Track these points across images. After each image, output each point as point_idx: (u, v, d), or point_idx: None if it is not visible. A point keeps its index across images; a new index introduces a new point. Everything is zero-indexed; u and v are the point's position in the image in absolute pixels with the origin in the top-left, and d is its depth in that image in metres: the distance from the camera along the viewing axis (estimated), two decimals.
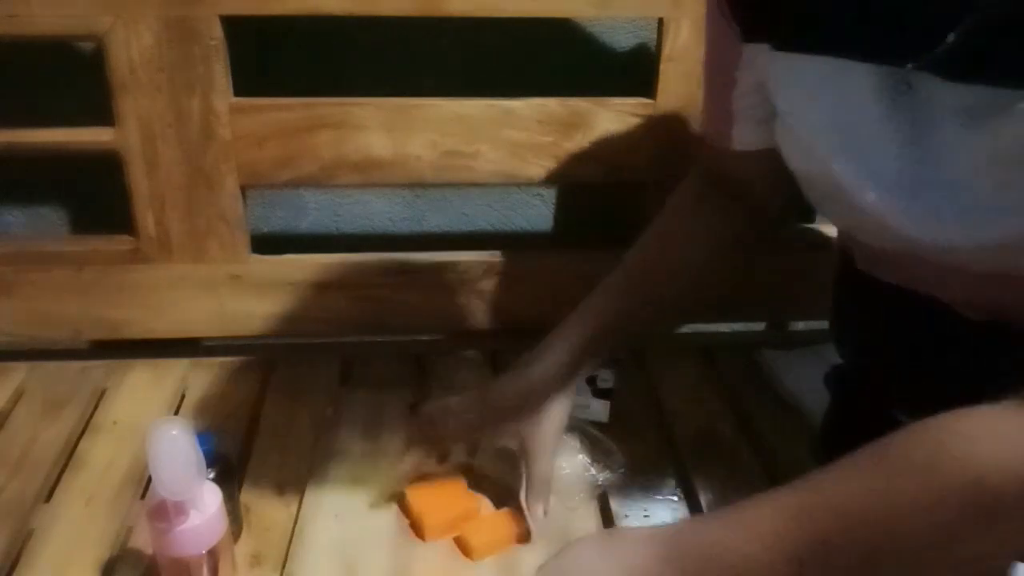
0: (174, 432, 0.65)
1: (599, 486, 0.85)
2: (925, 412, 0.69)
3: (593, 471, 0.86)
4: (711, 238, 0.81)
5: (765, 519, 0.55)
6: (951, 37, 0.53)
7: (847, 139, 0.61)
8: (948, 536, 0.51)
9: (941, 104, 0.56)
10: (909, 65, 0.55)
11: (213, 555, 0.70)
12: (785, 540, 0.54)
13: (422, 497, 0.82)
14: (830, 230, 1.01)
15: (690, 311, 0.88)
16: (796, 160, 0.67)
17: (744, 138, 0.75)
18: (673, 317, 0.88)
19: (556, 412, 0.79)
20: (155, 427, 0.65)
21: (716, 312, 1.14)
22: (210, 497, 0.70)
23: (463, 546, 0.79)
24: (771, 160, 0.70)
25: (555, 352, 0.79)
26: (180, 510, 0.68)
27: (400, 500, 0.83)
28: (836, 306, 0.83)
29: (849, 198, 0.63)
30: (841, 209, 0.66)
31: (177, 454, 0.65)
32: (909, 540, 0.52)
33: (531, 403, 0.78)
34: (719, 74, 0.74)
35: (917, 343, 0.69)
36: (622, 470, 0.86)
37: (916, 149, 0.58)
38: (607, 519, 0.84)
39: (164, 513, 0.68)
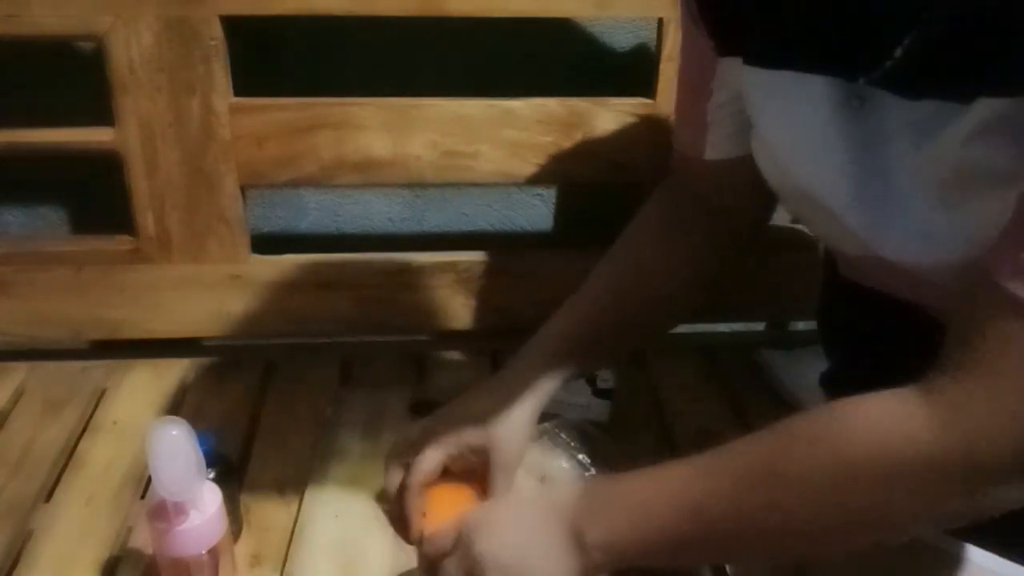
0: (174, 432, 0.65)
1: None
2: None
3: (593, 471, 0.86)
4: (682, 263, 0.80)
5: (673, 475, 0.61)
6: (898, 52, 0.53)
7: (807, 152, 0.63)
8: (830, 507, 0.54)
9: (891, 119, 0.57)
10: (861, 80, 0.56)
11: (213, 555, 0.70)
12: (686, 494, 0.59)
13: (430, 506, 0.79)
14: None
15: (660, 331, 0.88)
16: (768, 170, 0.69)
17: (718, 147, 0.75)
18: (641, 339, 0.87)
19: (520, 432, 0.77)
20: (155, 427, 0.65)
21: (716, 312, 1.14)
22: (210, 497, 0.70)
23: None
24: (743, 169, 0.71)
25: (517, 374, 0.78)
26: (180, 510, 0.68)
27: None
28: (823, 310, 0.83)
29: (815, 208, 0.64)
30: (811, 218, 0.68)
31: (177, 454, 0.65)
32: (796, 507, 0.55)
33: (494, 421, 0.76)
34: (694, 84, 0.75)
35: (900, 347, 0.70)
36: (620, 470, 0.86)
37: (868, 163, 0.60)
38: None
39: (164, 513, 0.68)
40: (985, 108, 0.51)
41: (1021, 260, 0.49)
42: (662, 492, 0.60)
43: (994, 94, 0.51)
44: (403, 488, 0.75)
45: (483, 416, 0.75)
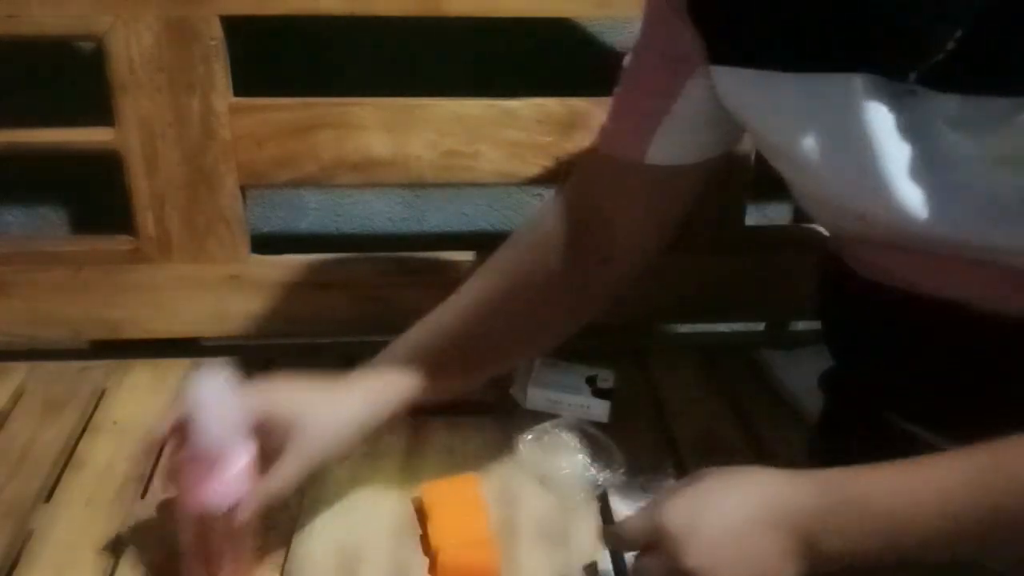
0: (216, 382, 0.64)
1: (599, 486, 0.85)
2: (919, 414, 0.69)
3: (593, 471, 0.86)
4: (552, 287, 0.78)
5: (933, 480, 0.54)
6: (941, 51, 0.54)
7: (838, 153, 0.61)
8: None
9: (937, 112, 0.57)
10: (911, 76, 0.56)
11: (241, 510, 0.70)
12: (952, 503, 0.52)
13: (439, 524, 0.78)
14: (810, 232, 1.01)
15: (523, 355, 0.87)
16: (794, 176, 0.67)
17: (661, 152, 0.72)
18: (501, 360, 0.85)
19: (332, 429, 0.73)
20: (198, 376, 0.64)
21: (716, 312, 1.14)
22: (243, 453, 0.68)
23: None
24: (670, 179, 0.71)
25: (360, 390, 0.76)
26: (216, 462, 0.66)
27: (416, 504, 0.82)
28: (825, 310, 0.83)
29: (851, 205, 0.63)
30: (843, 214, 0.66)
31: (219, 404, 0.65)
32: None
33: (314, 407, 0.72)
34: (654, 81, 0.72)
35: (907, 343, 0.70)
36: (622, 470, 0.86)
37: (916, 154, 0.59)
38: (607, 519, 0.84)
39: (199, 465, 0.67)
40: None
41: None
42: (917, 503, 0.54)
43: None
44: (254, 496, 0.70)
45: (310, 399, 0.72)
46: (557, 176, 1.03)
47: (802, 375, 0.99)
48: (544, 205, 0.81)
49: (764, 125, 0.67)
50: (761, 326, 1.21)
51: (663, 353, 1.06)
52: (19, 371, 1.02)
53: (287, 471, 0.70)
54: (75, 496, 0.85)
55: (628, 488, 0.87)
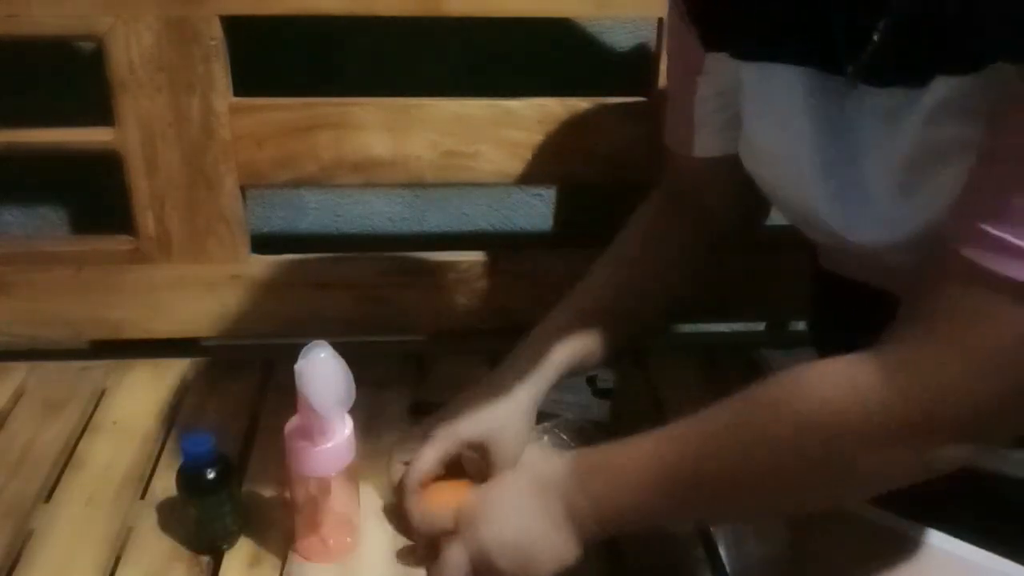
0: (324, 354, 0.69)
1: None
2: None
3: None
4: (670, 261, 0.83)
5: (649, 441, 0.63)
6: (874, 39, 0.56)
7: (783, 142, 0.64)
8: (790, 463, 0.57)
9: (862, 108, 0.59)
10: (848, 70, 0.58)
11: (347, 476, 0.75)
12: (658, 459, 0.62)
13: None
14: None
15: (654, 329, 0.93)
16: (749, 163, 0.70)
17: (705, 145, 0.76)
18: (636, 336, 0.88)
19: (516, 428, 0.79)
20: (306, 351, 0.69)
21: (716, 312, 1.14)
22: (346, 423, 0.74)
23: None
24: (730, 168, 0.72)
25: (514, 372, 0.79)
26: (323, 430, 0.72)
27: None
28: (811, 304, 0.84)
29: (791, 199, 0.66)
30: (789, 209, 0.69)
31: (327, 374, 0.69)
32: (760, 465, 0.58)
33: (490, 418, 0.78)
34: (681, 81, 0.76)
35: (878, 333, 0.71)
36: None
37: (839, 152, 0.61)
38: None
39: (307, 433, 0.72)
40: (942, 87, 0.54)
41: (974, 226, 0.50)
42: (637, 459, 0.63)
43: (949, 72, 0.53)
44: (400, 488, 0.77)
45: (480, 413, 0.77)
46: (557, 176, 1.03)
47: None
48: (640, 206, 0.88)
49: (742, 108, 0.70)
50: (761, 326, 1.21)
51: (663, 353, 1.06)
52: (19, 371, 1.02)
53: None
54: (75, 496, 0.85)
55: None
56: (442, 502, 0.80)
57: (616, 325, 0.82)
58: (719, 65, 0.69)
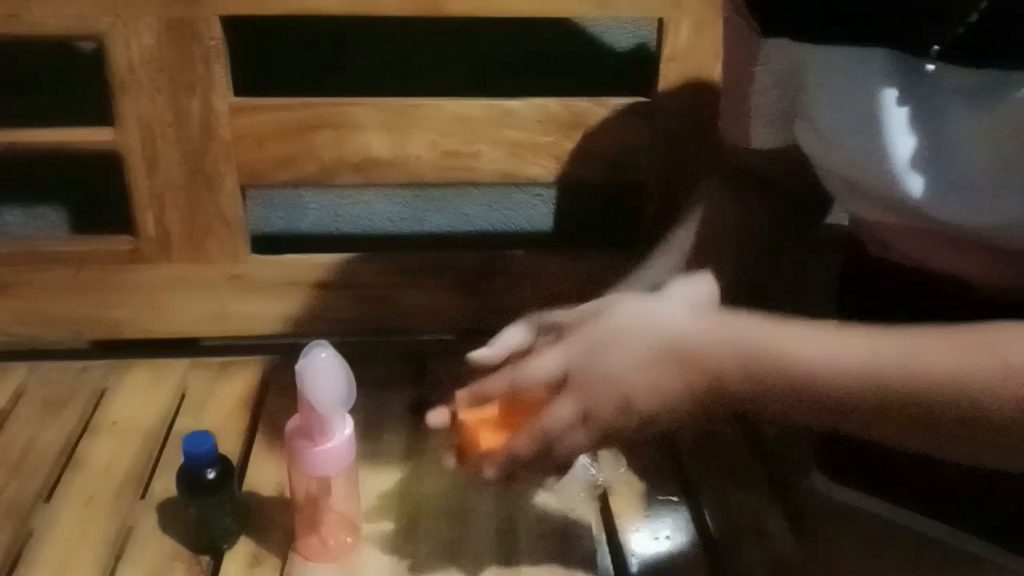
0: (324, 354, 0.69)
1: (599, 486, 0.85)
2: None
3: (593, 471, 0.86)
4: (745, 224, 0.80)
5: (852, 357, 0.56)
6: (972, 19, 0.54)
7: (858, 127, 0.62)
8: (1002, 420, 0.51)
9: (944, 87, 0.57)
10: (934, 49, 0.56)
11: (346, 477, 0.75)
12: (865, 384, 0.55)
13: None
14: (829, 230, 1.01)
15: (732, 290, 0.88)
16: (813, 148, 0.67)
17: (760, 136, 0.75)
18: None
19: None
20: (307, 351, 0.69)
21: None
22: (346, 424, 0.74)
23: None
24: (788, 157, 0.71)
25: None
26: (324, 430, 0.72)
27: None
28: (843, 289, 0.83)
29: (865, 182, 0.63)
30: (857, 193, 0.66)
31: (328, 374, 0.69)
32: (970, 413, 0.52)
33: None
34: (736, 72, 0.75)
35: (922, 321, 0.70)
36: (622, 470, 0.86)
37: (924, 134, 0.59)
38: (607, 519, 0.84)
39: (307, 432, 0.72)
40: None
41: None
42: (827, 381, 0.56)
43: None
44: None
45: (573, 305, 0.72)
46: (557, 176, 1.03)
47: None
48: (700, 183, 0.82)
49: (800, 92, 0.68)
50: None
51: None
52: (19, 371, 1.02)
53: None
54: (75, 496, 0.85)
55: (628, 488, 0.87)
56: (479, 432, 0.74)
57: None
58: (777, 52, 0.68)
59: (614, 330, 0.63)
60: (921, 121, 0.59)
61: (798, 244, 0.84)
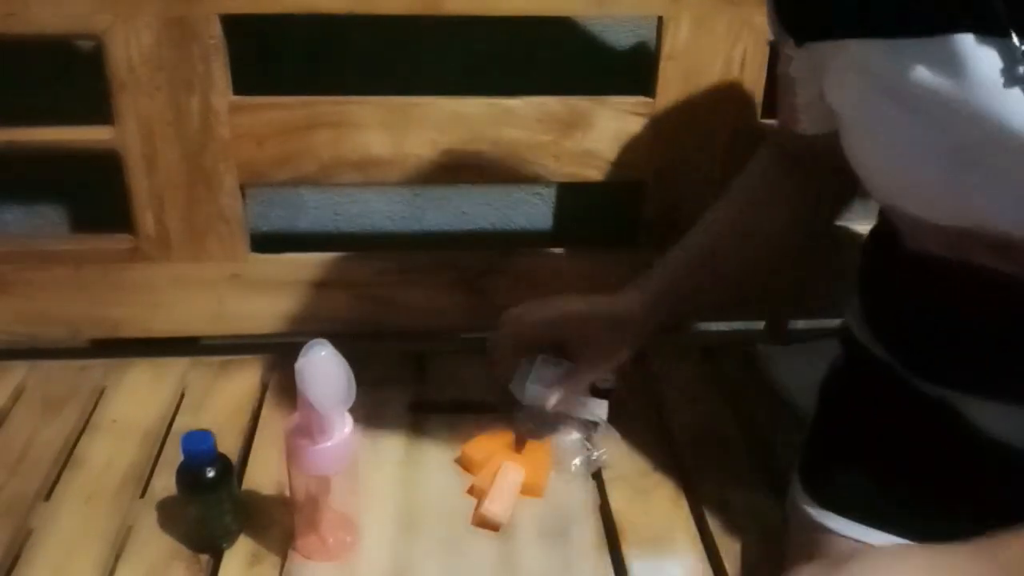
0: (323, 353, 0.69)
1: (594, 462, 0.88)
2: (952, 378, 0.71)
3: (589, 447, 0.89)
4: (792, 202, 0.84)
5: None
6: None
7: (950, 128, 0.59)
8: None
9: None
10: (1014, 36, 0.55)
11: (347, 475, 0.76)
12: None
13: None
14: (830, 229, 1.01)
15: (763, 276, 0.92)
16: (878, 165, 0.66)
17: (810, 125, 0.77)
18: (747, 284, 0.91)
19: (619, 342, 0.85)
20: (306, 350, 0.69)
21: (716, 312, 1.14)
22: (346, 423, 0.74)
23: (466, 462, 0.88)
24: (833, 141, 0.71)
25: (636, 289, 0.85)
26: (323, 429, 0.71)
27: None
28: (869, 271, 0.82)
29: (920, 183, 0.62)
30: (913, 192, 0.65)
31: (328, 373, 0.69)
32: None
33: (609, 327, 0.83)
34: (784, 66, 0.76)
35: (953, 309, 0.70)
36: (615, 440, 0.90)
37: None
38: (607, 518, 0.84)
39: (307, 431, 0.72)
40: None
41: None
42: None
43: None
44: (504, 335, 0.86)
45: (593, 305, 0.84)
46: (557, 175, 1.03)
47: (796, 371, 0.99)
48: (748, 169, 0.89)
49: (840, 99, 0.68)
50: (760, 325, 1.21)
51: (663, 353, 1.06)
52: (19, 370, 1.02)
53: (586, 368, 0.86)
54: (74, 495, 0.85)
55: (629, 489, 0.87)
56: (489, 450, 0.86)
57: (728, 264, 0.85)
58: (814, 57, 0.69)
59: None
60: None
61: (831, 219, 0.90)
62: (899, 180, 0.65)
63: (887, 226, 0.75)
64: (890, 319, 0.79)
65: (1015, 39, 0.56)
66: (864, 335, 0.82)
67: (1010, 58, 0.56)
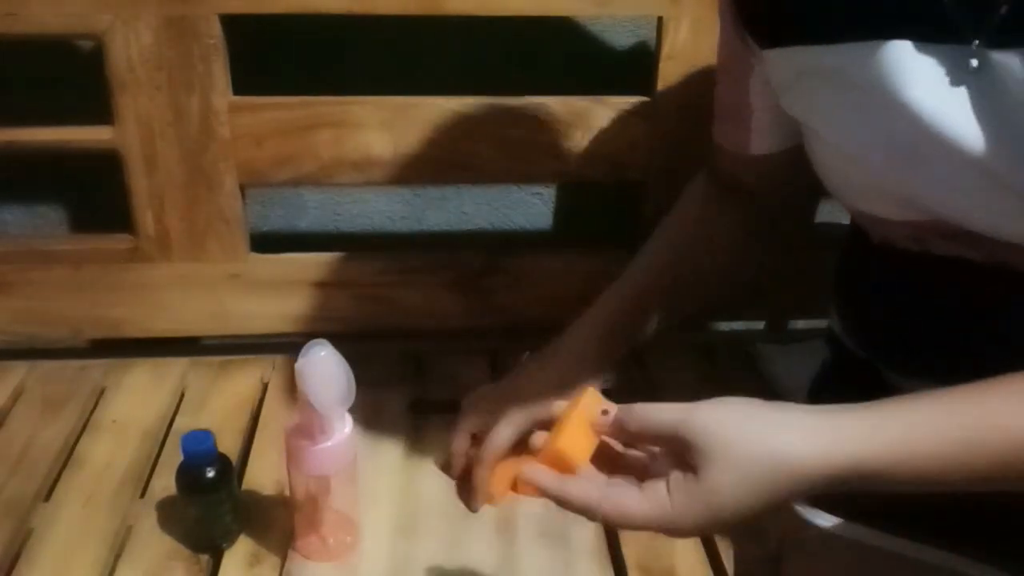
0: (323, 353, 0.69)
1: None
2: (921, 370, 0.69)
3: None
4: (729, 238, 0.82)
5: (935, 445, 0.54)
6: (1003, 7, 0.53)
7: (879, 129, 0.60)
8: None
9: (1006, 76, 0.55)
10: (975, 43, 0.55)
11: (346, 475, 0.76)
12: (961, 466, 0.54)
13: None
14: (829, 228, 1.01)
15: (708, 303, 0.89)
16: (821, 155, 0.67)
17: (761, 143, 0.76)
18: (689, 310, 0.88)
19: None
20: (306, 350, 0.69)
21: (716, 312, 1.14)
22: (345, 423, 0.74)
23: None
24: (787, 160, 0.72)
25: (580, 340, 0.81)
26: (323, 429, 0.72)
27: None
28: (841, 268, 0.82)
29: (889, 186, 0.63)
30: (880, 197, 0.65)
31: (328, 373, 0.70)
32: None
33: (560, 388, 0.77)
34: (733, 81, 0.75)
35: (920, 301, 0.70)
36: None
37: (994, 125, 0.57)
38: None
39: (307, 432, 0.72)
40: None
41: None
42: (925, 463, 0.55)
43: None
44: (476, 462, 0.78)
45: (549, 390, 0.76)
46: (557, 175, 1.03)
47: (796, 371, 0.99)
48: (687, 188, 0.87)
49: (799, 104, 0.67)
50: (760, 325, 1.21)
51: (663, 353, 1.06)
52: (19, 370, 1.02)
53: None
54: (74, 495, 0.85)
55: None
56: (506, 479, 0.80)
57: (669, 300, 0.83)
58: (779, 61, 0.68)
59: (745, 417, 0.62)
60: (988, 116, 0.56)
61: (787, 246, 0.88)
62: (852, 179, 0.66)
63: (855, 224, 0.75)
64: (863, 314, 0.79)
65: (957, 46, 0.56)
66: (841, 331, 0.82)
67: (951, 64, 0.57)
